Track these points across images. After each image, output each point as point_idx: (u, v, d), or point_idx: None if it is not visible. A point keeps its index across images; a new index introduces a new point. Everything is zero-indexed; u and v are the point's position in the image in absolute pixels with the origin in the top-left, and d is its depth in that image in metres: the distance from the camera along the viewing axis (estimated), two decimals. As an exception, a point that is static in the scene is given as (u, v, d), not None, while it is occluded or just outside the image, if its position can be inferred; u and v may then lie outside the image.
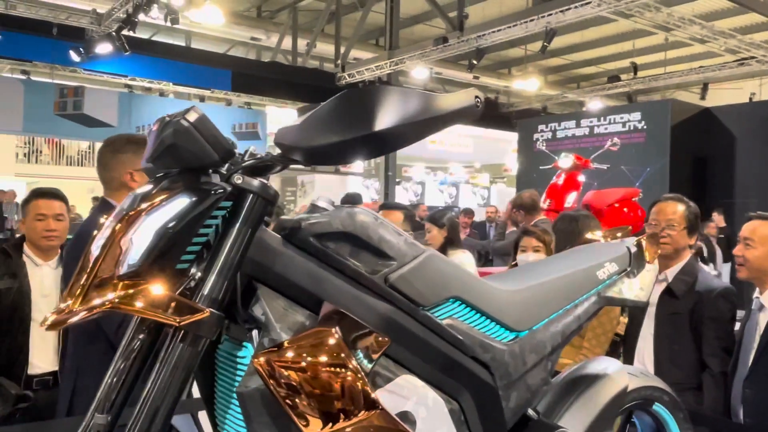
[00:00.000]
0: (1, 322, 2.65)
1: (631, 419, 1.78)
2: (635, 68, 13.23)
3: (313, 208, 1.19)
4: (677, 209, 2.55)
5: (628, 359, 2.62)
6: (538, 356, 1.40)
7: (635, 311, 2.69)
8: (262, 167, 1.07)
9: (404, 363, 1.16)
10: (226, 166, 1.05)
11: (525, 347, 1.37)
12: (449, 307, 1.26)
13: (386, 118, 0.93)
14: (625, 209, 5.75)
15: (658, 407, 1.71)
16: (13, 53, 11.39)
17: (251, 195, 1.03)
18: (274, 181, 1.16)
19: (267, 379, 0.95)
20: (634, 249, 1.66)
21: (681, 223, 2.52)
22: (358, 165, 20.55)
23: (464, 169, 25.24)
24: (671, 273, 2.56)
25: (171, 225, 0.96)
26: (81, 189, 13.98)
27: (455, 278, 1.29)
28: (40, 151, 17.64)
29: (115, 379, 1.01)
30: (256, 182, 1.04)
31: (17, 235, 2.92)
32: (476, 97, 1.02)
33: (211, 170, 1.04)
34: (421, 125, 0.97)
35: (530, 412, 1.48)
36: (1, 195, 12.83)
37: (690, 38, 11.13)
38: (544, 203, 6.14)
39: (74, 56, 10.54)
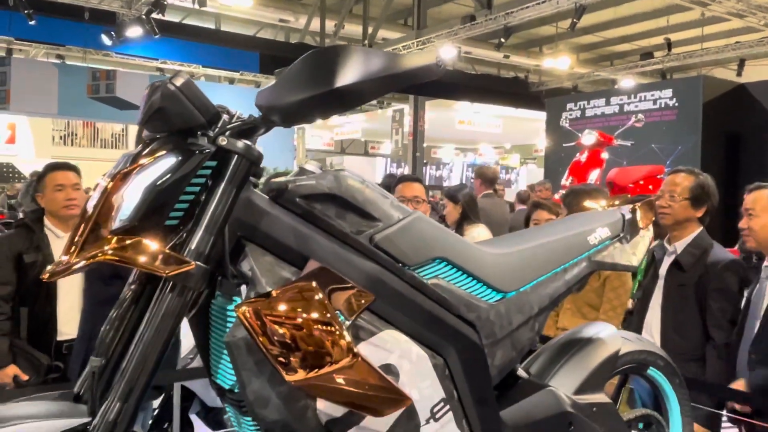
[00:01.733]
0: (29, 295, 2.75)
1: (628, 384, 1.80)
2: (669, 45, 12.91)
3: (301, 171, 1.24)
4: (681, 181, 2.53)
5: (638, 331, 2.64)
6: (525, 317, 1.43)
7: (647, 285, 2.69)
8: (247, 130, 1.12)
9: (389, 319, 1.22)
10: (214, 129, 1.11)
11: (511, 308, 1.41)
12: (434, 267, 1.31)
13: (348, 75, 0.98)
14: (650, 186, 5.69)
15: (653, 371, 1.73)
16: (47, 38, 11.67)
17: (236, 156, 1.09)
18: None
19: (249, 327, 1.01)
20: (628, 216, 1.68)
21: (683, 194, 2.51)
22: (386, 147, 20.55)
23: (494, 149, 25.04)
24: (680, 245, 2.56)
25: (159, 183, 1.02)
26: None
27: (441, 240, 1.33)
28: (76, 134, 18.08)
29: (109, 327, 1.08)
30: (240, 143, 1.10)
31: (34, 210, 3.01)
32: (437, 57, 1.05)
33: (198, 132, 1.09)
34: (381, 82, 1.01)
35: (521, 372, 1.53)
36: (34, 176, 13.21)
37: (727, 13, 10.79)
38: (566, 180, 6.11)
39: (106, 40, 10.75)
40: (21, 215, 4.39)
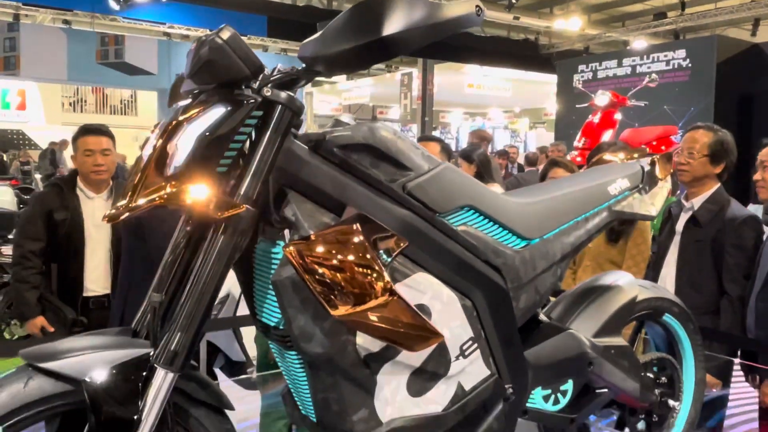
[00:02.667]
0: (58, 252, 2.87)
1: (643, 331, 1.88)
2: (683, 4, 12.70)
3: (337, 123, 1.30)
4: (700, 137, 2.56)
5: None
6: (548, 263, 1.50)
7: (663, 241, 2.75)
8: (288, 81, 1.18)
9: (421, 263, 1.29)
10: (257, 81, 1.16)
11: (535, 254, 1.48)
12: (464, 214, 1.37)
13: (393, 24, 1.03)
14: (662, 147, 5.69)
15: (668, 318, 1.81)
16: (54, 2, 11.61)
17: (279, 106, 1.15)
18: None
19: (297, 265, 1.09)
20: (647, 167, 1.73)
21: (702, 151, 2.54)
22: (395, 112, 20.47)
23: (503, 114, 24.86)
24: (697, 202, 2.60)
25: (210, 131, 1.08)
26: (126, 137, 14.39)
27: (469, 188, 1.39)
28: (85, 101, 18.11)
29: (164, 268, 1.16)
30: (283, 95, 1.15)
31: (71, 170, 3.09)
32: (477, 6, 1.10)
33: (243, 85, 1.15)
34: (424, 31, 1.07)
35: (542, 317, 1.60)
36: (53, 145, 13.33)
37: (742, -29, 10.59)
38: (578, 142, 6.12)
39: (113, 4, 10.70)
40: (39, 179, 4.47)
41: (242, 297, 3.61)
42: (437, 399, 1.31)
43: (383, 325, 1.15)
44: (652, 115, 8.60)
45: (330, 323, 1.16)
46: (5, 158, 14.56)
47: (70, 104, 18.02)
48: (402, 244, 1.22)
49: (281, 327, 1.22)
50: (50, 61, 12.07)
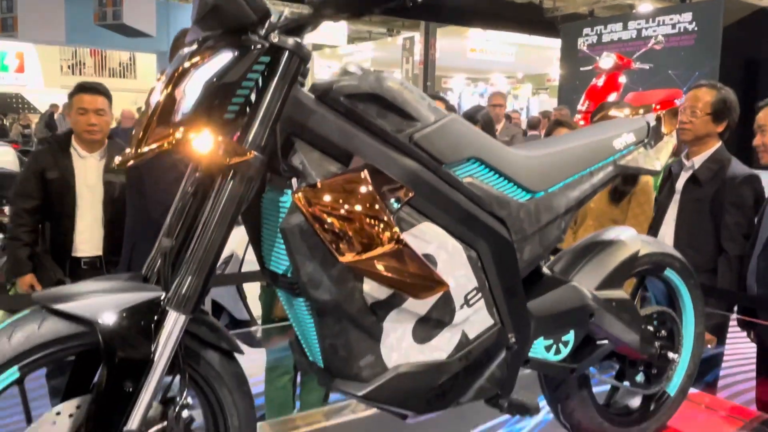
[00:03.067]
0: (50, 211, 2.84)
1: (644, 285, 1.90)
2: (691, -34, 12.47)
3: (344, 72, 1.29)
4: (703, 95, 2.55)
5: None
6: (552, 215, 1.51)
7: (663, 200, 2.76)
8: (296, 27, 1.17)
9: (426, 213, 1.30)
10: (264, 27, 1.16)
11: (540, 207, 1.49)
12: (469, 166, 1.38)
13: None
14: (666, 111, 5.65)
15: (669, 273, 1.82)
16: (52, -38, 11.41)
17: (287, 52, 1.14)
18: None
19: (306, 212, 1.10)
20: (653, 123, 1.73)
21: (705, 110, 2.53)
22: (396, 77, 20.28)
23: (506, 79, 24.63)
24: (698, 160, 2.60)
25: (218, 77, 1.08)
26: (125, 101, 14.31)
27: (475, 140, 1.40)
28: (84, 63, 17.93)
29: (173, 215, 1.17)
30: (291, 41, 1.15)
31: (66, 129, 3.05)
32: None
33: (249, 31, 1.14)
34: None
35: (545, 270, 1.62)
36: (54, 107, 13.25)
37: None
38: (582, 105, 6.08)
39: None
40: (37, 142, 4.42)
41: (245, 256, 3.66)
42: (442, 346, 1.34)
43: (390, 273, 1.16)
44: (656, 79, 8.52)
45: (337, 270, 1.18)
46: (5, 122, 14.50)
47: (69, 67, 17.85)
48: (408, 194, 1.23)
49: (289, 275, 1.24)
50: (48, 22, 11.91)
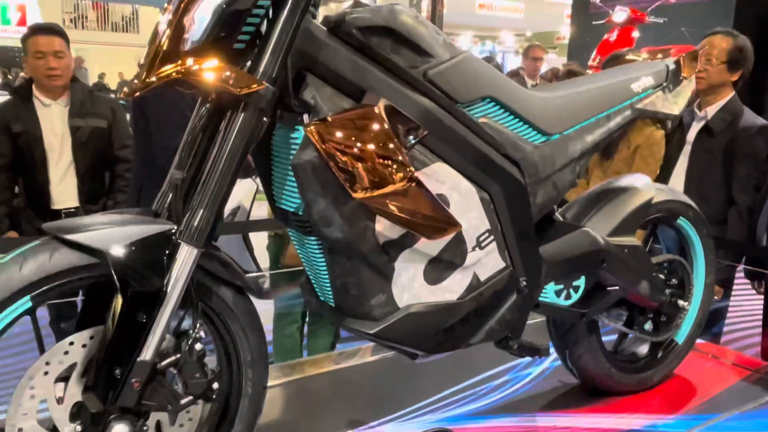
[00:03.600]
0: (21, 165, 2.70)
1: (656, 234, 1.89)
2: None
3: (356, 4, 1.25)
4: (718, 43, 2.48)
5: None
6: (567, 159, 1.49)
7: (673, 151, 2.72)
8: None
9: (439, 153, 1.28)
10: None
11: (555, 150, 1.46)
12: (484, 106, 1.35)
13: None
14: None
15: (682, 221, 1.81)
16: None
17: None
18: None
19: (318, 146, 1.08)
20: (672, 66, 1.69)
21: (720, 57, 2.47)
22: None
23: (515, 37, 24.21)
24: (711, 110, 2.55)
25: (227, 3, 1.05)
26: (128, 56, 14.12)
27: (491, 79, 1.36)
28: (86, 17, 17.65)
29: (184, 151, 1.15)
30: None
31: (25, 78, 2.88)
32: None
33: None
34: None
35: (558, 215, 1.61)
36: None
37: None
38: (593, 60, 5.96)
39: None
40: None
41: (252, 208, 3.64)
42: (453, 287, 1.33)
43: (402, 212, 1.15)
44: (668, 37, 8.33)
45: (349, 208, 1.16)
46: (9, 76, 14.36)
47: (71, 20, 17.57)
48: (421, 133, 1.21)
49: (300, 212, 1.22)
50: (49, -27, 11.68)
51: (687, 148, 2.61)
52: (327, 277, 1.28)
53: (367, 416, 1.68)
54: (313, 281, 1.37)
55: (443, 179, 1.27)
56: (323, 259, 1.26)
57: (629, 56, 1.79)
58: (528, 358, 1.62)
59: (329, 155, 1.08)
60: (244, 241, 3.54)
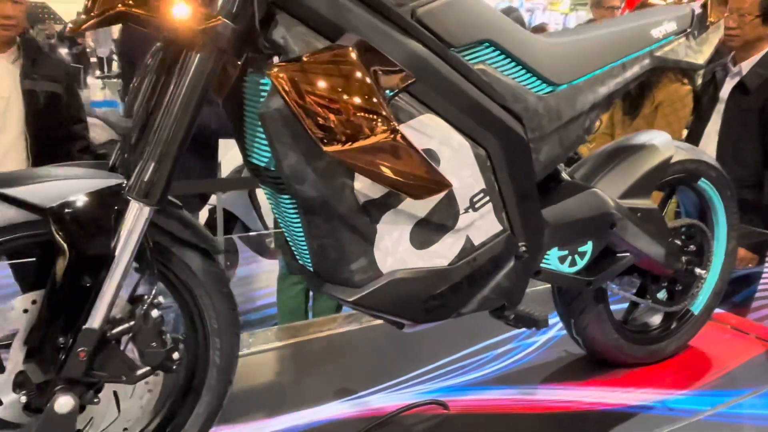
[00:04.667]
0: None
1: (674, 196, 1.74)
2: None
3: None
4: None
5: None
6: (576, 112, 1.35)
7: (703, 109, 2.53)
8: None
9: (429, 104, 1.14)
10: None
11: (561, 101, 1.32)
12: (482, 51, 1.21)
13: None
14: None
15: (703, 183, 1.66)
16: None
17: None
18: None
19: (284, 92, 0.95)
20: (698, 10, 1.51)
21: (753, 11, 2.26)
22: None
23: (544, -8, 23.43)
24: (746, 66, 2.36)
25: None
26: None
27: (490, 20, 1.22)
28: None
29: (132, 96, 1.03)
30: None
31: None
32: None
33: None
34: None
35: (564, 175, 1.47)
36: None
37: None
38: (622, 12, 5.64)
39: None
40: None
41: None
42: (443, 252, 1.22)
43: (383, 169, 1.03)
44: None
45: (325, 163, 1.05)
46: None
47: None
48: (408, 80, 1.07)
49: (272, 168, 1.11)
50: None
51: (720, 107, 2.42)
52: (303, 239, 1.17)
53: (359, 384, 1.60)
54: (290, 243, 1.26)
55: (432, 133, 1.14)
56: (299, 220, 1.15)
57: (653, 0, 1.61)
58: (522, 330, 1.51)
59: (297, 103, 0.96)
60: (250, 198, 3.45)
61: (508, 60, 1.24)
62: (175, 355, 1.03)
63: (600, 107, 1.40)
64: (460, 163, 1.19)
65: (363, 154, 1.00)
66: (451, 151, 1.17)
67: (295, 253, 1.26)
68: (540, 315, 1.33)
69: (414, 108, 1.12)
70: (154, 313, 1.01)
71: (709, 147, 2.45)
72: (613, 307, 1.65)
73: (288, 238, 1.26)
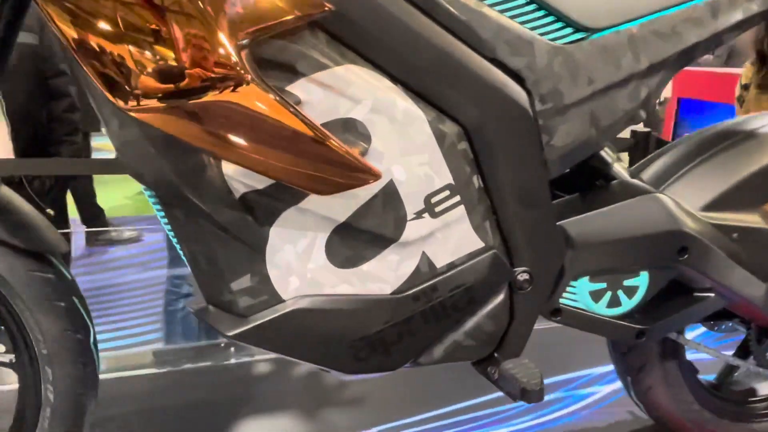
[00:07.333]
0: None
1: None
2: None
3: None
4: None
5: None
6: (620, 74, 0.87)
7: None
8: None
9: (361, 50, 0.75)
10: None
11: (595, 56, 0.86)
12: (456, -28, 0.79)
13: None
14: None
15: None
16: None
17: None
18: None
19: (54, 24, 0.62)
20: None
21: None
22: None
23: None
24: None
25: None
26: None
27: None
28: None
29: None
30: None
31: None
32: None
33: None
34: None
35: (618, 169, 0.99)
36: None
37: None
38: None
39: None
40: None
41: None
42: (383, 275, 0.82)
43: (237, 142, 0.66)
44: None
45: (158, 135, 0.69)
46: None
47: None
48: (319, 8, 0.69)
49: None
50: None
51: None
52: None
53: (359, 422, 1.30)
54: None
55: (356, 93, 0.74)
56: (165, 218, 0.82)
57: None
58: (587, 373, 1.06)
59: (73, 39, 0.62)
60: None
61: None
62: None
63: (669, 68, 0.91)
64: (407, 143, 0.78)
65: (194, 119, 0.64)
66: (392, 123, 0.77)
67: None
68: (530, 383, 0.87)
69: (329, 57, 0.73)
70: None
71: None
72: (695, 358, 1.15)
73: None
